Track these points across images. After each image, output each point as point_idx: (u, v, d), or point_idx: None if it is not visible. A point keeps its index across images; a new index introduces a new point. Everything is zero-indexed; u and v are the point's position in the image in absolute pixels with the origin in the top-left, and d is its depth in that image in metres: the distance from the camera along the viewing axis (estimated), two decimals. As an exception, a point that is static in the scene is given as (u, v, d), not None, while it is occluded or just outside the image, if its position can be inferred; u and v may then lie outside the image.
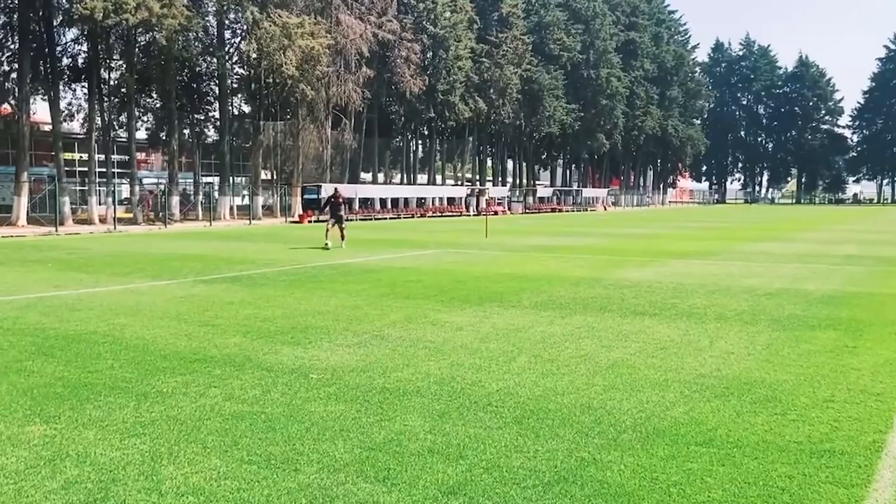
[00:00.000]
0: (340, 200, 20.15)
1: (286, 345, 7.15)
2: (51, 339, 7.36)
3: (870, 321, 8.72)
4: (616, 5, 76.17)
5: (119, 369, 6.17)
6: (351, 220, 36.86)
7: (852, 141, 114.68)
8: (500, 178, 67.37)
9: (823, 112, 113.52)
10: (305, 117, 39.38)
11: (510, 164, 72.53)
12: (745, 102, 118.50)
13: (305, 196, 39.07)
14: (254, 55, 35.80)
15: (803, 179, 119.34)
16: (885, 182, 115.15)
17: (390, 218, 42.61)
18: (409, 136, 57.91)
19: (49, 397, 5.32)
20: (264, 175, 43.15)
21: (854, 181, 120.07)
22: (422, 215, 46.27)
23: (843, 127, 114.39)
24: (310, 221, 35.60)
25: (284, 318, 8.65)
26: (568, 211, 62.01)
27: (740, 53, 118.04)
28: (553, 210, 61.08)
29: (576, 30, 66.07)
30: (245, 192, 45.43)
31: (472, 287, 11.57)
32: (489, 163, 69.99)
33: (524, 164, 70.84)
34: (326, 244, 18.95)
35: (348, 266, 14.78)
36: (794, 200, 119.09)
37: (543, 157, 78.23)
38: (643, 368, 6.28)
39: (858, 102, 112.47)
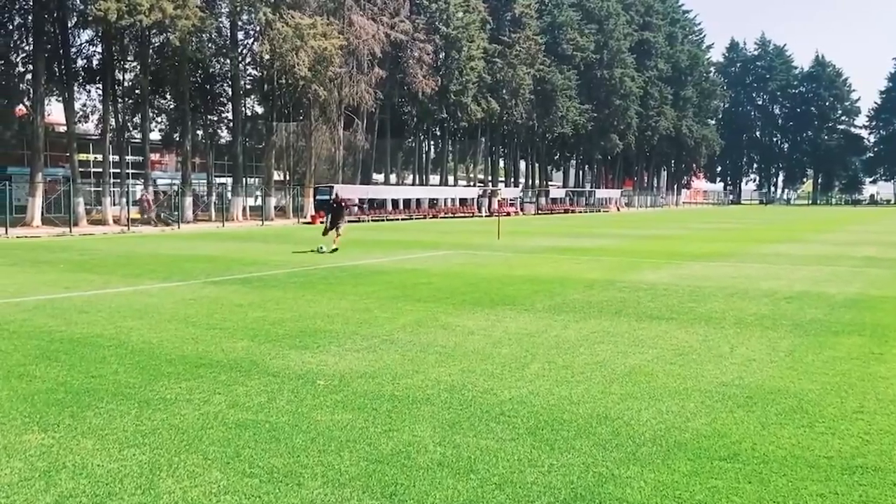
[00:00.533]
0: (339, 203, 19.85)
1: (294, 349, 6.99)
2: (56, 343, 7.25)
3: (895, 326, 8.44)
4: (630, 5, 75.64)
5: (123, 374, 6.04)
6: (363, 220, 36.80)
7: (869, 141, 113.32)
8: (512, 179, 67.05)
9: (840, 112, 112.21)
10: (318, 118, 39.34)
11: (522, 164, 72.19)
12: (760, 102, 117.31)
13: (318, 197, 38.95)
14: (266, 56, 35.76)
15: (819, 180, 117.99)
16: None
17: (402, 219, 42.49)
18: (422, 137, 57.78)
19: (49, 404, 5.19)
20: (277, 176, 43.17)
21: (871, 182, 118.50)
22: (434, 216, 46.11)
23: (860, 127, 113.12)
24: (322, 222, 35.41)
25: (293, 321, 8.50)
26: (581, 212, 61.63)
27: (755, 53, 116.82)
28: (566, 211, 60.70)
29: (589, 30, 65.67)
30: (258, 193, 45.44)
31: (484, 289, 11.38)
32: (501, 163, 69.66)
33: (537, 164, 70.49)
34: (323, 248, 18.55)
35: (359, 268, 14.63)
36: (809, 201, 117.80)
37: (556, 157, 77.80)
38: (661, 376, 6.06)
39: (875, 102, 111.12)
